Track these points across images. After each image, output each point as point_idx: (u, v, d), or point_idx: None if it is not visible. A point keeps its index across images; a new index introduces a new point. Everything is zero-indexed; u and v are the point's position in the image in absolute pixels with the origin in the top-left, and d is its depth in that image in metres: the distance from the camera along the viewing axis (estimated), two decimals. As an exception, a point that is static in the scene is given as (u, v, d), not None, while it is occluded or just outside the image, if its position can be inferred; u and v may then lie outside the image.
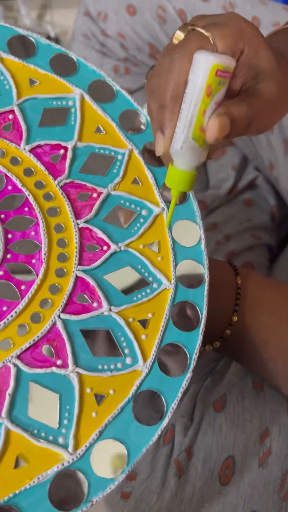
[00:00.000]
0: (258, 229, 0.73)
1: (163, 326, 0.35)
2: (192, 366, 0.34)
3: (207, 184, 0.80)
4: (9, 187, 0.37)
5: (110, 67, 0.78)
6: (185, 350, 0.34)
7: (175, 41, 0.33)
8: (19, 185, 0.38)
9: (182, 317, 0.36)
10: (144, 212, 0.39)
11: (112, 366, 0.34)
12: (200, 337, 0.35)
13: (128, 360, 0.34)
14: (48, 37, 1.06)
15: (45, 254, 0.36)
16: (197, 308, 0.36)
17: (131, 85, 0.77)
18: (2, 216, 0.36)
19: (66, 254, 0.36)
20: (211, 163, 0.81)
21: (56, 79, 0.41)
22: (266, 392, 0.48)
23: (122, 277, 0.36)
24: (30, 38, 0.42)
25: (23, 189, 0.37)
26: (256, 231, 0.72)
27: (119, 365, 0.34)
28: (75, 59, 0.42)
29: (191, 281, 0.37)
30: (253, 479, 0.43)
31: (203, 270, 0.37)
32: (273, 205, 0.78)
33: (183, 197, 0.40)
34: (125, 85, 0.76)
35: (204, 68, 0.30)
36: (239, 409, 0.47)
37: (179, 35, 0.33)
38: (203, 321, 0.35)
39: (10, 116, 0.40)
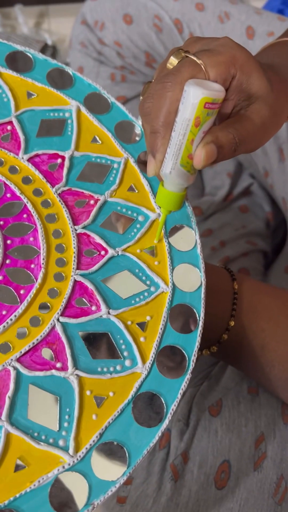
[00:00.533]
0: (253, 235, 0.73)
1: (161, 329, 0.35)
2: (191, 368, 0.34)
3: (202, 190, 0.81)
4: (8, 195, 0.38)
5: (107, 75, 0.79)
6: (184, 352, 0.35)
7: (170, 66, 0.34)
8: (18, 193, 0.38)
9: (180, 319, 0.36)
10: (140, 218, 0.39)
11: (111, 369, 0.34)
12: (198, 338, 0.35)
13: (127, 363, 0.34)
14: (46, 45, 1.06)
15: (43, 259, 0.36)
16: (195, 310, 0.36)
17: (128, 93, 0.77)
18: (1, 222, 0.37)
19: (65, 259, 0.37)
20: (207, 170, 0.82)
21: (53, 92, 0.43)
22: (261, 397, 0.49)
23: (120, 281, 0.37)
24: (28, 53, 0.43)
25: (22, 197, 0.38)
26: (251, 237, 0.73)
27: (118, 368, 0.34)
28: (71, 73, 0.44)
29: (188, 284, 0.37)
30: (248, 483, 0.43)
31: (200, 273, 0.38)
32: (268, 212, 0.78)
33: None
34: (121, 92, 0.77)
35: (193, 101, 0.31)
36: (234, 413, 0.48)
37: (173, 61, 0.34)
38: (200, 323, 0.36)
39: (9, 127, 0.41)
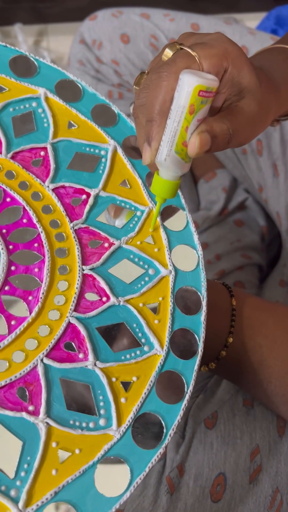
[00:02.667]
0: (248, 249, 0.74)
1: (145, 393, 0.33)
2: (166, 442, 0.32)
3: (198, 205, 0.82)
4: (24, 220, 0.37)
5: (105, 92, 0.80)
6: (162, 422, 0.33)
7: (164, 58, 0.35)
8: (34, 220, 0.37)
9: (168, 387, 0.34)
10: (151, 271, 0.38)
11: (84, 424, 0.32)
12: (181, 412, 0.33)
13: (102, 422, 0.32)
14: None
15: (43, 293, 0.35)
16: (184, 379, 0.34)
17: (125, 110, 0.78)
18: (11, 247, 0.36)
19: (64, 298, 0.35)
20: (202, 185, 0.82)
21: (94, 127, 0.42)
22: (256, 410, 0.49)
23: (114, 333, 0.35)
24: (78, 84, 0.43)
25: (38, 225, 0.37)
26: (246, 251, 0.74)
27: (91, 425, 0.32)
28: (116, 111, 0.43)
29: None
30: (244, 496, 0.43)
31: (198, 343, 0.36)
32: (263, 226, 0.79)
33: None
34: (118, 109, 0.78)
35: (187, 88, 0.32)
36: (229, 426, 0.48)
37: (168, 53, 0.35)
38: (188, 390, 0.34)
39: (42, 153, 0.40)
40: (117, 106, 0.44)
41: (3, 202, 0.38)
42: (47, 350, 0.33)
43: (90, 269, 0.37)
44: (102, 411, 0.32)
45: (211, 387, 0.52)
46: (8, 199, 0.38)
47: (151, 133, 0.35)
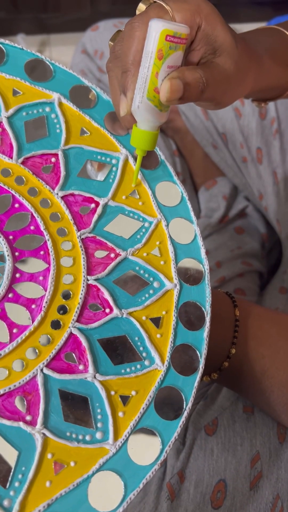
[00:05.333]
0: (249, 256, 0.75)
1: (143, 408, 0.33)
2: (162, 458, 0.32)
3: (199, 212, 0.82)
4: (32, 227, 0.37)
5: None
6: (159, 436, 0.32)
7: (137, 12, 0.36)
8: (42, 227, 0.37)
9: (166, 402, 0.34)
10: (156, 284, 0.37)
11: (80, 437, 0.31)
12: (179, 429, 0.33)
13: (98, 435, 0.32)
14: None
15: (46, 302, 0.35)
16: (183, 397, 0.34)
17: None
18: (17, 253, 0.36)
19: (67, 307, 0.35)
20: (203, 193, 0.83)
21: (107, 135, 0.42)
22: (257, 416, 0.49)
23: (116, 345, 0.35)
24: (93, 90, 0.42)
25: (45, 233, 0.37)
26: (246, 258, 0.74)
27: (87, 437, 0.31)
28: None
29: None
30: (244, 503, 0.43)
31: (200, 360, 0.35)
32: (263, 233, 0.79)
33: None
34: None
35: (154, 33, 0.32)
36: (230, 433, 0.48)
37: (141, 7, 0.36)
38: (185, 414, 0.33)
39: (53, 159, 0.40)
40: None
41: (12, 207, 0.38)
42: (47, 360, 0.33)
43: (95, 279, 0.36)
44: (99, 424, 0.32)
45: (212, 393, 0.52)
46: (16, 205, 0.38)
47: (126, 83, 0.35)
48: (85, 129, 0.41)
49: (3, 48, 0.42)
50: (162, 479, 0.46)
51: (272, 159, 0.69)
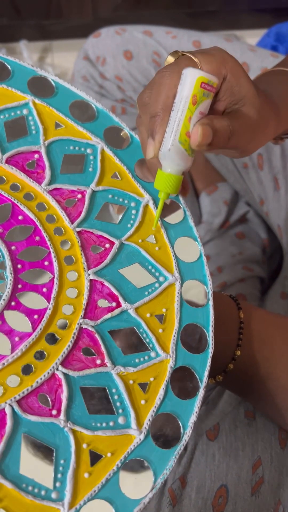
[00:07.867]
0: (250, 261, 0.75)
1: (161, 394, 0.34)
2: (184, 441, 0.33)
3: (200, 218, 0.82)
4: (37, 238, 0.38)
5: (108, 107, 0.80)
6: (179, 421, 0.33)
7: (166, 64, 0.37)
8: (47, 239, 0.38)
9: (182, 382, 0.35)
10: (160, 278, 0.38)
11: (104, 424, 0.33)
12: (196, 409, 0.34)
13: (121, 420, 0.33)
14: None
15: (46, 317, 0.35)
16: (197, 376, 0.35)
17: (128, 125, 0.79)
18: (19, 266, 0.36)
19: (73, 307, 0.36)
20: (204, 198, 0.83)
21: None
22: (258, 421, 0.49)
23: (125, 336, 0.36)
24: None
25: (49, 243, 0.38)
26: (247, 263, 0.74)
27: (111, 424, 0.33)
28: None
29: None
30: (246, 509, 0.43)
31: (208, 337, 0.36)
32: (264, 239, 0.80)
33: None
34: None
35: (190, 79, 0.34)
36: (231, 438, 0.47)
37: (170, 59, 0.38)
38: (201, 392, 0.34)
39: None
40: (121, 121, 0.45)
41: (14, 217, 0.38)
42: (62, 356, 0.34)
43: (94, 273, 0.37)
44: (119, 411, 0.33)
45: (213, 399, 0.52)
46: (20, 217, 0.38)
47: (155, 127, 0.36)
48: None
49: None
50: (164, 484, 0.46)
51: (273, 165, 0.69)
